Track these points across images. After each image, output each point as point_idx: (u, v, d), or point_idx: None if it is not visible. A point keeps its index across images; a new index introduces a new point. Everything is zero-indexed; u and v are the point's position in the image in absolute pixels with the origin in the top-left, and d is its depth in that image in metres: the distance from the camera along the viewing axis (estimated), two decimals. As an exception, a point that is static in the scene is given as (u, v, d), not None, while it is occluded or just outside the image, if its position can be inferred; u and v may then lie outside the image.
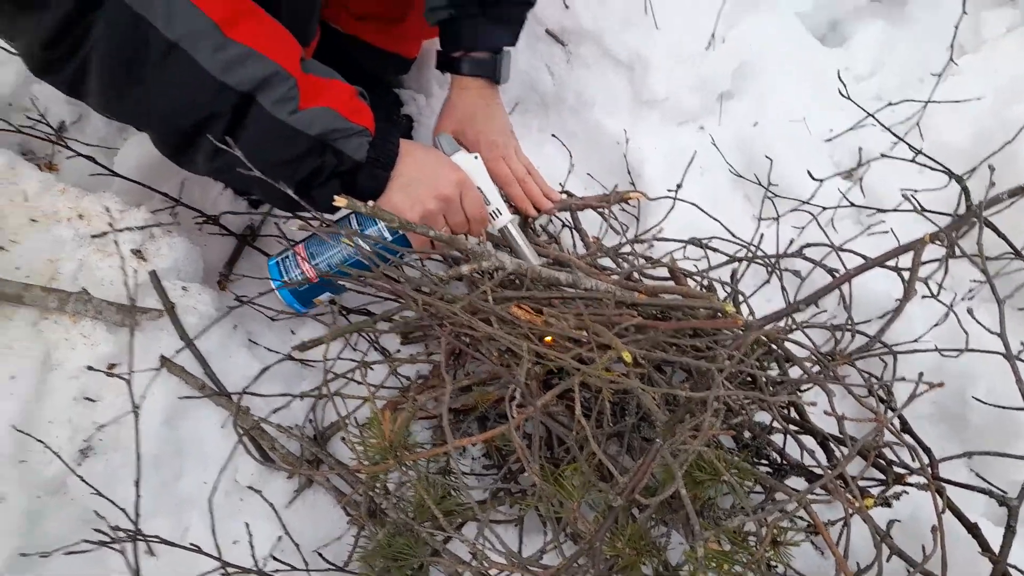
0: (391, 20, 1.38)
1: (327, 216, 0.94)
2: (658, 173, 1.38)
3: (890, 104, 1.36)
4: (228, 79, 0.82)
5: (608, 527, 0.68)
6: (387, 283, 0.87)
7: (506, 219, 1.05)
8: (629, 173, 1.40)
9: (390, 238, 0.95)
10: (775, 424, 0.92)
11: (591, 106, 1.46)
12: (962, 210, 0.94)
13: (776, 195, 1.28)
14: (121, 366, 0.93)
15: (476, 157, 1.07)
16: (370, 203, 0.83)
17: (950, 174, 0.97)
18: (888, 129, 1.14)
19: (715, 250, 1.15)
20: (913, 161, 1.00)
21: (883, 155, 1.27)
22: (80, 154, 1.26)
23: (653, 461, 0.64)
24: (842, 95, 1.11)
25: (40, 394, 0.88)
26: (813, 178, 1.25)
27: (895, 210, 1.14)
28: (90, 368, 0.89)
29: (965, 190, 0.90)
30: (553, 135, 1.46)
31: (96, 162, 1.25)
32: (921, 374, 0.80)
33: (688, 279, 1.08)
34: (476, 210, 1.01)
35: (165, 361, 0.94)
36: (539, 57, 1.51)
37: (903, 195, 1.08)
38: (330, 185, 0.91)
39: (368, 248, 0.91)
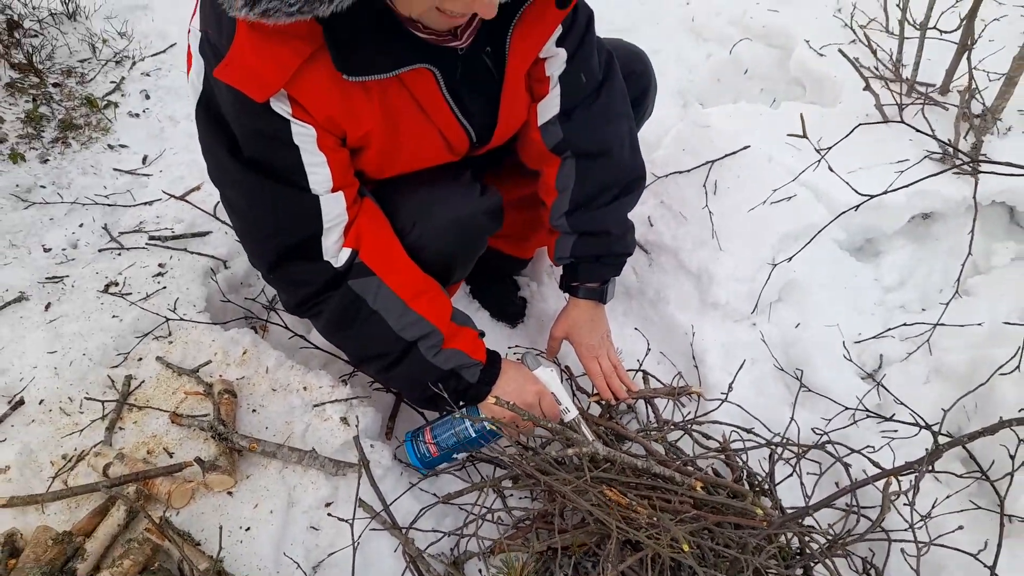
0: (517, 237, 1.85)
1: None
2: (717, 361, 1.77)
3: (905, 324, 1.72)
4: (403, 334, 1.31)
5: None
6: (517, 462, 1.30)
7: (572, 415, 1.46)
8: (694, 358, 1.80)
9: (488, 428, 1.40)
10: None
11: (667, 302, 1.88)
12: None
13: (808, 388, 1.65)
14: (334, 504, 1.38)
15: (552, 369, 1.48)
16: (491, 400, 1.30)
17: (921, 426, 1.32)
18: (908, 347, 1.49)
19: (755, 435, 1.52)
20: (896, 402, 1.35)
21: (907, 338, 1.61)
22: (293, 332, 1.77)
23: None
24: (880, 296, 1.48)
25: (286, 524, 1.33)
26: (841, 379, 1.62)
27: (899, 420, 1.49)
28: (328, 511, 1.34)
29: (935, 437, 1.25)
30: (636, 328, 1.88)
31: (299, 335, 1.76)
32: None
33: (736, 457, 1.47)
34: (550, 411, 1.44)
35: (362, 503, 1.38)
36: (629, 261, 1.95)
37: (909, 410, 1.43)
38: (452, 397, 1.38)
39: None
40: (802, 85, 2.38)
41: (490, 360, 1.43)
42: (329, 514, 1.35)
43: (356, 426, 1.48)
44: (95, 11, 2.97)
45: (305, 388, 1.55)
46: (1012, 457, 1.15)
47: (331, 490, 1.39)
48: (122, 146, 2.36)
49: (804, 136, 1.18)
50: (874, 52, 2.24)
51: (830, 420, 1.60)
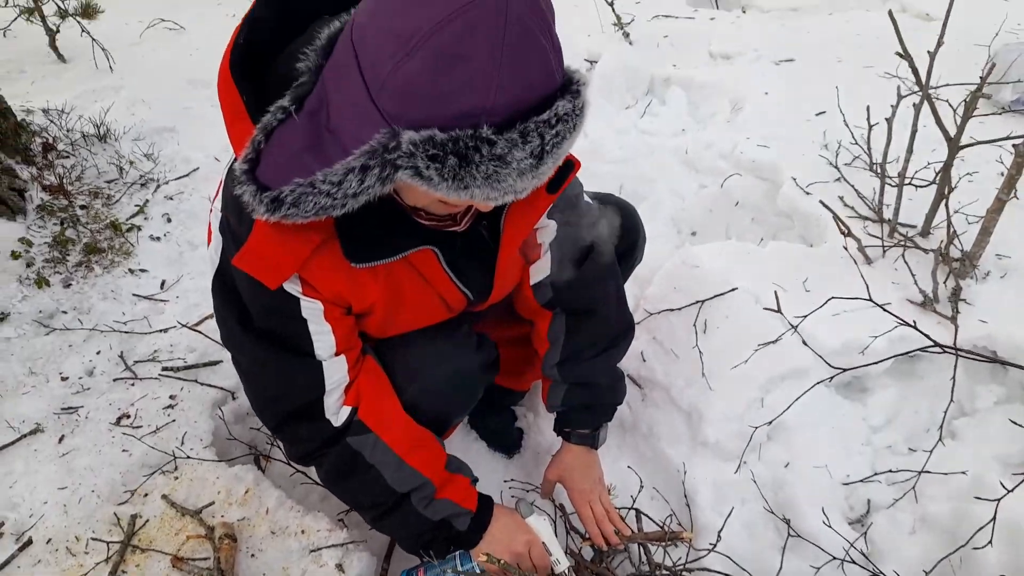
0: (513, 373, 1.93)
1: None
2: (708, 500, 1.81)
3: (889, 471, 1.76)
4: (396, 487, 1.37)
5: None
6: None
7: (563, 566, 1.49)
8: (685, 496, 1.83)
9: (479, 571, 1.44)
10: None
11: (659, 438, 1.93)
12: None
13: (796, 534, 1.68)
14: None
15: (544, 519, 1.53)
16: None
17: None
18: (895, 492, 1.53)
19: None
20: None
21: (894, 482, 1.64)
22: (296, 468, 1.83)
23: None
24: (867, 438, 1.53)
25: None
26: (828, 525, 1.65)
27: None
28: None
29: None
30: (629, 466, 1.92)
31: (295, 468, 1.81)
32: None
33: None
34: (540, 561, 1.47)
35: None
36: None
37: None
38: (442, 544, 1.43)
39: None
40: (790, 218, 2.49)
41: (481, 507, 1.48)
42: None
43: (349, 572, 1.52)
44: (124, 133, 3.16)
45: (303, 531, 1.59)
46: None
47: (324, 641, 1.42)
48: (142, 270, 2.48)
49: (779, 311, 1.26)
50: (858, 194, 2.35)
51: (819, 568, 1.63)
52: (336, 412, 1.33)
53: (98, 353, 2.13)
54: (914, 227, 2.18)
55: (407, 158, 0.85)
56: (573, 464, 1.67)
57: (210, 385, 1.98)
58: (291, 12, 1.07)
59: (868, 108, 2.26)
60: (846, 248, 2.09)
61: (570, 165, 1.30)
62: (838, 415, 1.92)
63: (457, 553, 1.49)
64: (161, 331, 2.20)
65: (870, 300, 1.69)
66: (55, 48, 3.94)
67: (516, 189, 0.90)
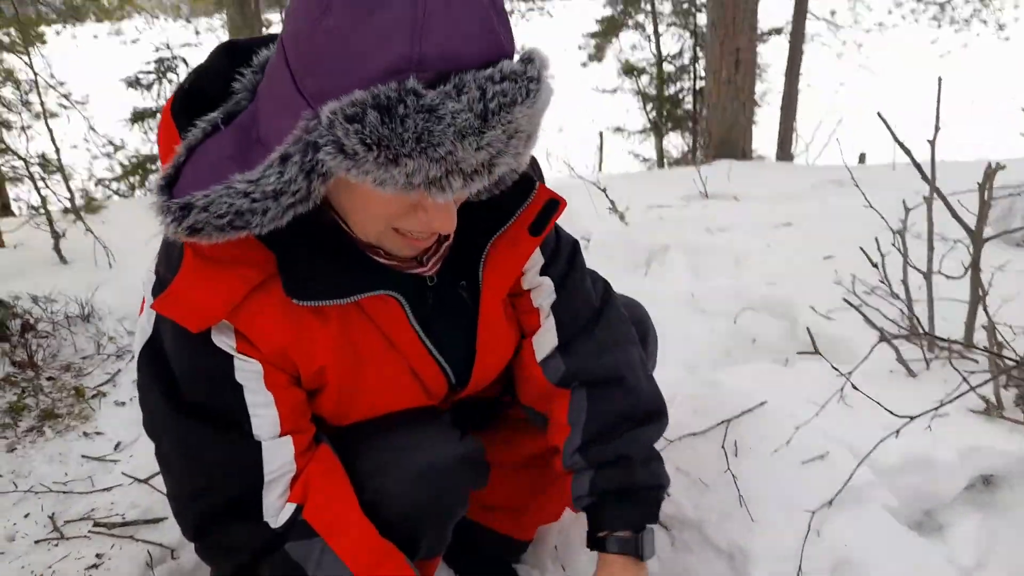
0: (515, 510, 1.60)
1: None
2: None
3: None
4: None
5: None
6: None
7: None
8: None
9: None
10: None
11: (695, 593, 1.55)
12: None
13: None
14: None
15: None
16: None
17: None
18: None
19: None
20: None
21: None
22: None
23: None
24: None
25: None
26: None
27: None
28: None
29: None
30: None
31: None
32: None
33: None
34: None
35: None
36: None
37: None
38: None
39: None
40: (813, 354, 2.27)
41: None
42: None
43: None
44: (109, 313, 3.06)
45: None
46: None
47: None
48: (98, 433, 2.22)
49: (816, 351, 1.03)
50: (885, 316, 2.16)
51: None
52: (276, 512, 1.04)
53: (26, 516, 1.81)
54: (952, 340, 1.96)
55: (326, 130, 0.74)
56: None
57: (147, 542, 1.64)
58: (243, 62, 0.99)
59: (876, 239, 2.15)
60: (896, 358, 1.86)
61: (554, 205, 1.15)
62: (915, 554, 1.55)
63: None
64: (105, 489, 1.89)
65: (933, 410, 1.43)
66: (58, 251, 3.99)
67: (462, 163, 0.76)
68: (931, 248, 1.96)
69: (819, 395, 1.79)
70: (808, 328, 1.86)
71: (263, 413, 1.02)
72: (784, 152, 9.04)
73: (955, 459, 1.60)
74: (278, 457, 1.03)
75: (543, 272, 1.25)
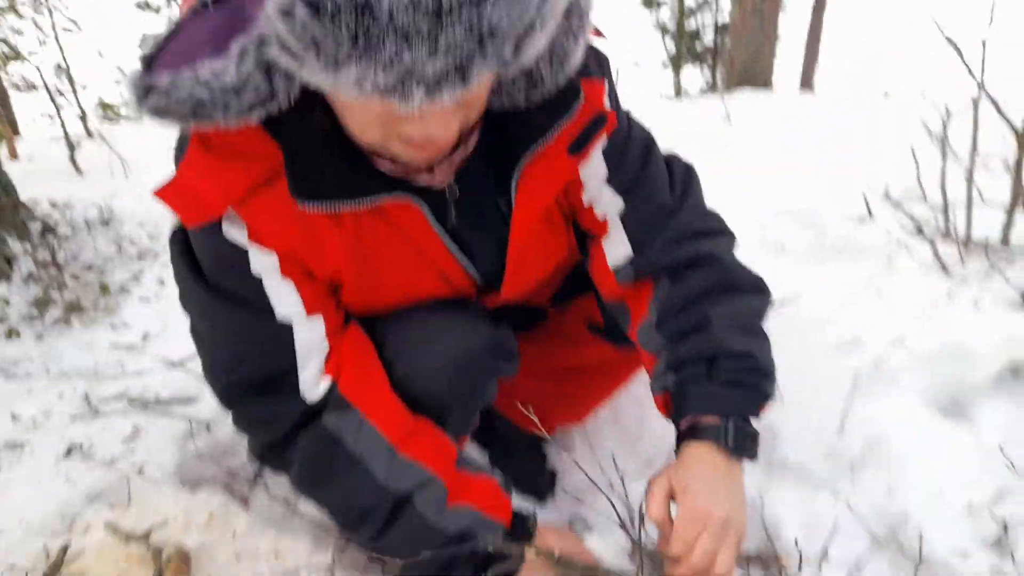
0: (539, 413, 1.60)
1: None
2: (795, 534, 1.41)
3: (1028, 479, 1.38)
4: (391, 485, 1.03)
5: None
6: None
7: None
8: (766, 530, 1.43)
9: None
10: None
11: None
12: None
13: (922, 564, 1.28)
14: None
15: (607, 541, 1.15)
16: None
17: None
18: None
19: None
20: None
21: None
22: (275, 497, 1.47)
23: None
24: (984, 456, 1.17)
25: None
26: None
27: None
28: None
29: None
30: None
31: (287, 504, 1.45)
32: None
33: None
34: None
35: None
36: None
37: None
38: (467, 567, 1.06)
39: None
40: (843, 256, 2.25)
41: (517, 521, 1.12)
42: None
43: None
44: (129, 217, 3.06)
45: (276, 555, 1.22)
46: None
47: None
48: (125, 325, 2.24)
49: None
50: (915, 223, 2.14)
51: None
52: (312, 386, 1.04)
53: (60, 397, 1.84)
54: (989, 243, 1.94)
55: (268, 22, 0.65)
56: (693, 471, 1.05)
57: (183, 417, 1.67)
58: None
59: (912, 148, 2.10)
60: (932, 253, 1.83)
61: (601, 120, 1.04)
62: (943, 437, 1.56)
63: None
64: (136, 374, 1.91)
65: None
66: (74, 161, 3.97)
67: (417, 71, 0.64)
68: (975, 147, 1.92)
69: (856, 292, 1.78)
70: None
71: (286, 301, 1.00)
72: (807, 83, 8.87)
73: (988, 348, 1.59)
74: (309, 335, 1.02)
75: (608, 181, 1.13)
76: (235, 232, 0.94)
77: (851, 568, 1.31)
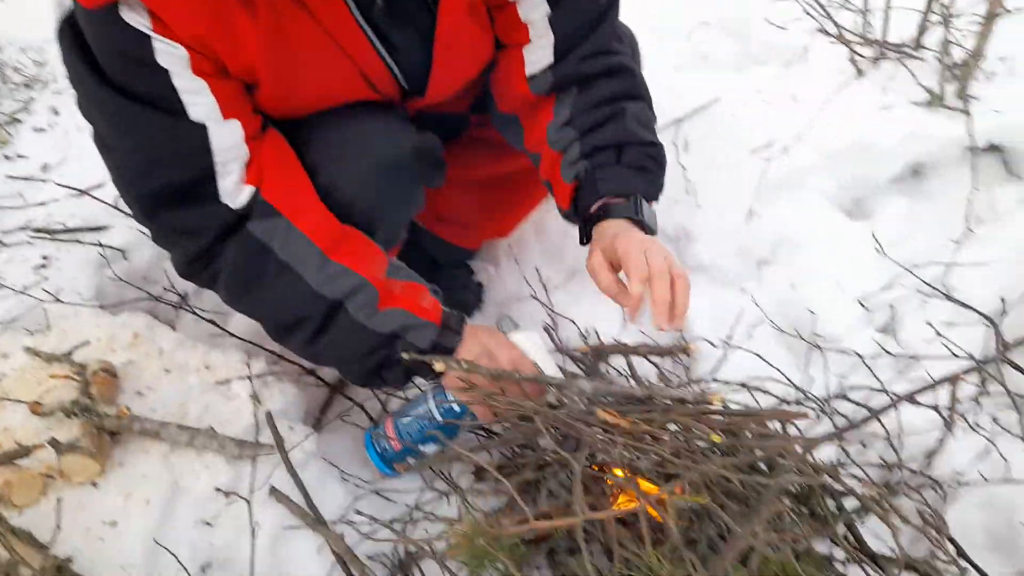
0: (464, 224, 1.61)
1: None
2: (705, 330, 1.52)
3: (916, 267, 1.49)
4: (324, 291, 1.03)
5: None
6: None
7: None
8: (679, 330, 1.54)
9: (458, 410, 1.14)
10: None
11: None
12: (991, 352, 1.05)
13: (819, 345, 1.40)
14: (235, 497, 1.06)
15: (533, 334, 1.19)
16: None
17: (982, 315, 1.09)
18: (925, 283, 1.27)
19: (767, 392, 1.25)
20: (947, 298, 1.12)
21: (921, 290, 1.38)
22: (202, 317, 1.47)
23: (734, 551, 0.72)
24: (878, 251, 1.26)
25: (168, 517, 1.01)
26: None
27: (930, 357, 1.25)
28: (218, 489, 1.02)
29: (997, 330, 1.01)
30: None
31: (215, 324, 1.46)
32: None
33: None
34: (531, 385, 1.11)
35: (274, 491, 1.07)
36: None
37: (940, 335, 1.19)
38: (398, 371, 1.10)
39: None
40: (766, 62, 2.24)
41: (447, 322, 1.14)
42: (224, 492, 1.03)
43: (270, 408, 1.18)
44: (8, 43, 2.78)
45: (207, 367, 1.24)
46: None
47: (232, 478, 1.07)
48: (20, 156, 2.10)
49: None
50: (836, 25, 2.12)
51: (844, 378, 1.35)
52: (234, 194, 0.99)
53: (-45, 232, 1.74)
54: (904, 44, 1.95)
55: None
56: (613, 230, 1.11)
57: (96, 244, 1.61)
58: None
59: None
60: (848, 56, 1.84)
61: None
62: (845, 234, 1.65)
63: (429, 390, 1.16)
64: (39, 204, 1.82)
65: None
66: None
67: None
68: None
69: (771, 93, 1.80)
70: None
71: (198, 100, 0.93)
72: None
73: (892, 146, 1.65)
74: (226, 140, 0.96)
75: None
76: (135, 16, 0.85)
77: (754, 360, 1.41)
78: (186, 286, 1.59)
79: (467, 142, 1.48)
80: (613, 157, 1.14)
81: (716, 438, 0.94)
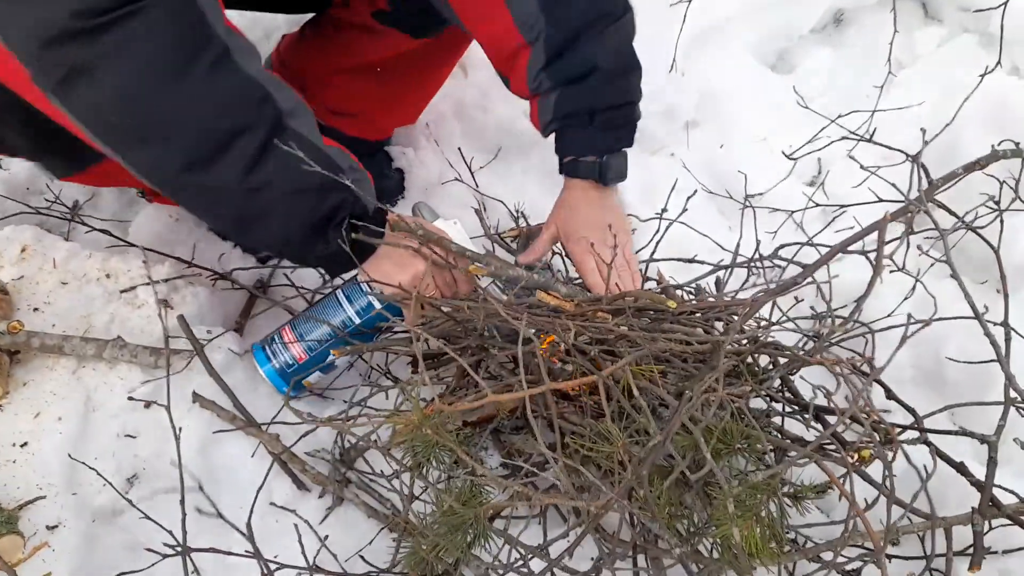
0: (361, 115, 1.49)
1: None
2: (636, 199, 1.49)
3: (840, 116, 1.48)
4: (275, 94, 0.86)
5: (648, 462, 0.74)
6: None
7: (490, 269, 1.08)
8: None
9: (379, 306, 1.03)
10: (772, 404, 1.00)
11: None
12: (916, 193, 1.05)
13: (750, 205, 1.39)
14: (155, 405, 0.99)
15: (456, 223, 1.12)
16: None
17: (906, 154, 1.08)
18: (849, 132, 1.25)
19: (701, 262, 1.25)
20: (870, 141, 1.11)
21: (846, 138, 1.38)
22: (96, 228, 1.35)
23: (681, 414, 0.71)
24: (800, 106, 1.23)
25: (85, 433, 0.94)
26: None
27: (857, 204, 1.25)
28: (131, 399, 0.96)
29: (922, 167, 1.00)
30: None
31: (112, 235, 1.34)
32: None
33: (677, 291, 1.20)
34: (458, 275, 1.06)
35: (197, 397, 1.01)
36: (515, 105, 1.63)
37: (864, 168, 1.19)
38: (341, 230, 0.96)
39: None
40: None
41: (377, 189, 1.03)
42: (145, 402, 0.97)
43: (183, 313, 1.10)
44: None
45: (108, 276, 1.14)
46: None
47: (151, 388, 1.01)
48: None
49: None
50: None
51: (774, 233, 1.35)
52: None
53: None
54: None
55: None
56: (572, 205, 1.19)
57: (-35, 157, 1.44)
58: None
59: None
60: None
61: None
62: (768, 91, 1.62)
63: (339, 289, 1.07)
64: None
65: None
66: None
67: None
68: None
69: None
70: None
71: None
72: None
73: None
74: None
75: None
76: None
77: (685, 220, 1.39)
78: (74, 195, 1.45)
79: (339, 28, 1.37)
80: (585, 121, 1.12)
81: (672, 304, 0.93)
